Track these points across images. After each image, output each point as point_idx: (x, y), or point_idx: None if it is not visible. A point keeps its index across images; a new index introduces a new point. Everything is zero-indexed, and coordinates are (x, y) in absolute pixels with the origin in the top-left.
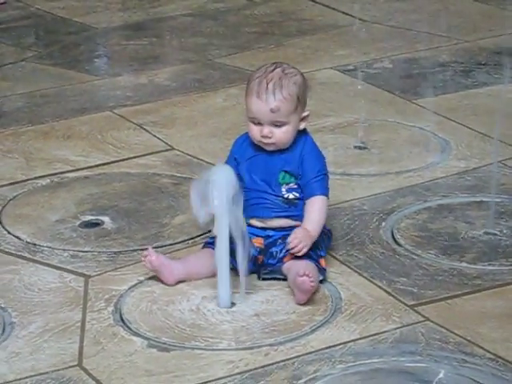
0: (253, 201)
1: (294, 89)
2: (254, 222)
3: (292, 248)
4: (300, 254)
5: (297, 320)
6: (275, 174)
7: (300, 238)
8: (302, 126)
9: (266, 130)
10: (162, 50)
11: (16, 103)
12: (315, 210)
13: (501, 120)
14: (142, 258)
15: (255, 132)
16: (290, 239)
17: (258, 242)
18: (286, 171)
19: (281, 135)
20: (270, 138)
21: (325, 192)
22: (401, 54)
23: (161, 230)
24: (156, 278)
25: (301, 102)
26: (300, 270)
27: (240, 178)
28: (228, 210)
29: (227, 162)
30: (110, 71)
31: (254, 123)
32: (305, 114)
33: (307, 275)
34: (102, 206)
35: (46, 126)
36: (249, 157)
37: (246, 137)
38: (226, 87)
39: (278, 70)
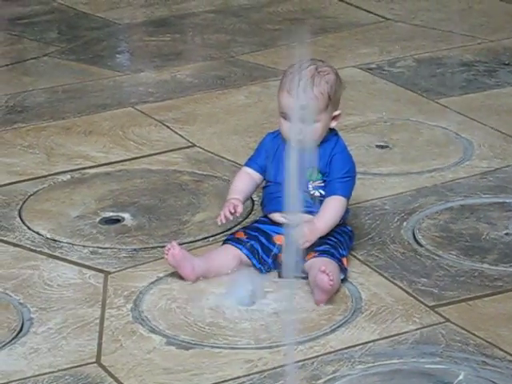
0: (277, 193)
1: (325, 87)
2: (277, 216)
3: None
4: (302, 248)
5: (316, 319)
6: (303, 170)
7: (305, 235)
8: (333, 124)
9: (296, 126)
10: (184, 46)
11: (38, 98)
12: (330, 208)
13: None
14: (165, 252)
15: (285, 127)
16: (295, 232)
17: (279, 240)
18: (314, 168)
19: (310, 133)
20: (299, 134)
21: (346, 194)
22: (424, 52)
23: (181, 227)
24: (175, 275)
25: (332, 100)
26: (321, 267)
27: (267, 171)
28: None
29: (255, 154)
30: (132, 67)
31: (285, 118)
32: (336, 113)
33: (327, 274)
34: (122, 203)
35: (68, 121)
36: (279, 151)
37: (278, 133)
38: (249, 84)
39: (312, 67)
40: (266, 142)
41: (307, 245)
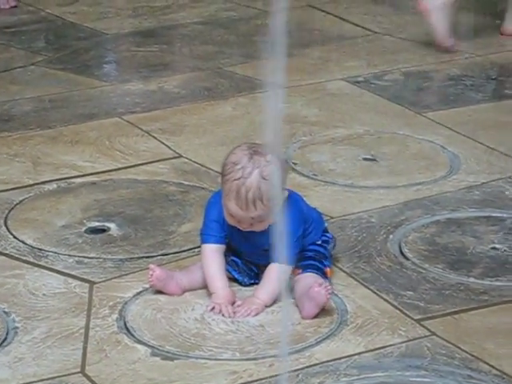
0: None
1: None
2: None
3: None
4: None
5: (302, 331)
6: (261, 248)
7: (248, 311)
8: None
9: (245, 225)
10: (172, 57)
11: (24, 107)
12: (270, 280)
13: (510, 135)
14: (149, 278)
15: (233, 222)
16: (239, 309)
17: (253, 263)
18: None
19: (260, 227)
20: (247, 228)
21: (286, 261)
22: (411, 66)
23: (167, 237)
24: None
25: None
26: (318, 280)
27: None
28: None
29: (209, 228)
30: (120, 77)
31: (233, 217)
32: (285, 195)
33: (325, 287)
34: (108, 213)
35: (54, 130)
36: (229, 227)
37: (220, 198)
38: (236, 96)
39: (256, 173)
40: (215, 212)
41: (253, 315)
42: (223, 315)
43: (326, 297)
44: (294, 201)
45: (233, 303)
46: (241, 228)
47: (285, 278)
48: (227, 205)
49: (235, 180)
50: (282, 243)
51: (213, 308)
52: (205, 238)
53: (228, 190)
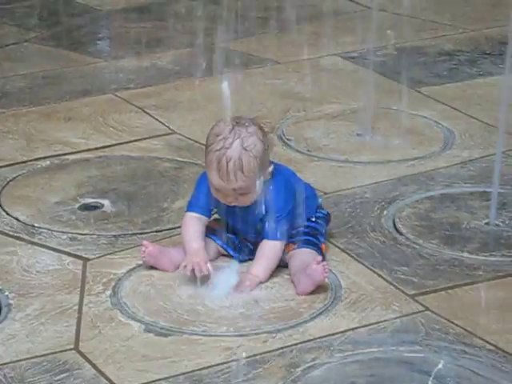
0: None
1: (254, 163)
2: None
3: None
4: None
5: (296, 307)
6: (254, 225)
7: (244, 287)
8: (268, 177)
9: (230, 199)
10: (165, 33)
11: (18, 84)
12: (265, 255)
13: (505, 110)
14: (142, 254)
15: (219, 197)
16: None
17: (249, 241)
18: (262, 221)
19: (245, 201)
20: (233, 202)
21: (277, 237)
22: (406, 42)
23: (161, 214)
24: None
25: (264, 167)
26: (317, 258)
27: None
28: None
29: (195, 198)
30: (113, 54)
31: (217, 190)
32: (269, 169)
33: (323, 265)
34: (101, 189)
35: (48, 107)
36: (223, 205)
37: None
38: (229, 72)
39: (237, 143)
40: (205, 187)
41: (248, 290)
42: (195, 274)
43: (323, 275)
44: (281, 175)
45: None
46: (227, 203)
47: (277, 252)
48: (209, 176)
49: (216, 151)
50: (271, 219)
51: (185, 266)
52: (189, 206)
53: (210, 161)
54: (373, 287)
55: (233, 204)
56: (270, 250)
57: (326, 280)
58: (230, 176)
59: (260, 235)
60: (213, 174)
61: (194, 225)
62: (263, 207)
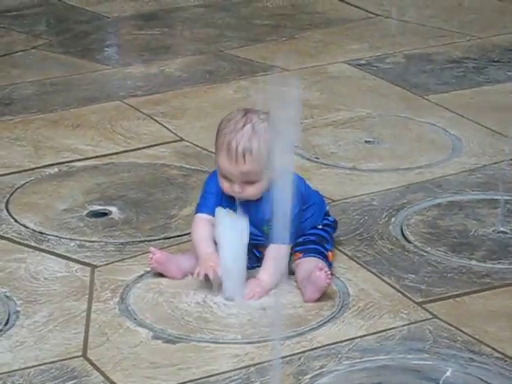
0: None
1: (264, 147)
2: None
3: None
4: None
5: (304, 315)
6: (261, 224)
7: (253, 293)
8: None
9: (237, 187)
10: (173, 40)
11: (26, 91)
12: (271, 260)
13: None
14: (149, 261)
15: (226, 187)
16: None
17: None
18: (269, 221)
19: (252, 191)
20: (240, 192)
21: (284, 241)
22: (413, 49)
23: (168, 221)
24: None
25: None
26: (319, 264)
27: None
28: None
29: (204, 199)
30: (121, 61)
31: (225, 178)
32: None
33: (325, 272)
34: (109, 196)
35: (56, 114)
36: (229, 204)
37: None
38: (237, 79)
39: (248, 127)
40: (213, 186)
41: (257, 297)
42: (207, 279)
43: (326, 281)
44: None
45: None
46: (234, 195)
47: (283, 256)
48: (219, 160)
49: (227, 134)
50: (277, 222)
51: (197, 273)
52: (198, 208)
53: (220, 143)
54: (381, 295)
55: (238, 196)
56: (275, 254)
57: (334, 287)
58: (238, 158)
59: (268, 239)
60: (222, 156)
61: (204, 227)
62: (268, 208)
